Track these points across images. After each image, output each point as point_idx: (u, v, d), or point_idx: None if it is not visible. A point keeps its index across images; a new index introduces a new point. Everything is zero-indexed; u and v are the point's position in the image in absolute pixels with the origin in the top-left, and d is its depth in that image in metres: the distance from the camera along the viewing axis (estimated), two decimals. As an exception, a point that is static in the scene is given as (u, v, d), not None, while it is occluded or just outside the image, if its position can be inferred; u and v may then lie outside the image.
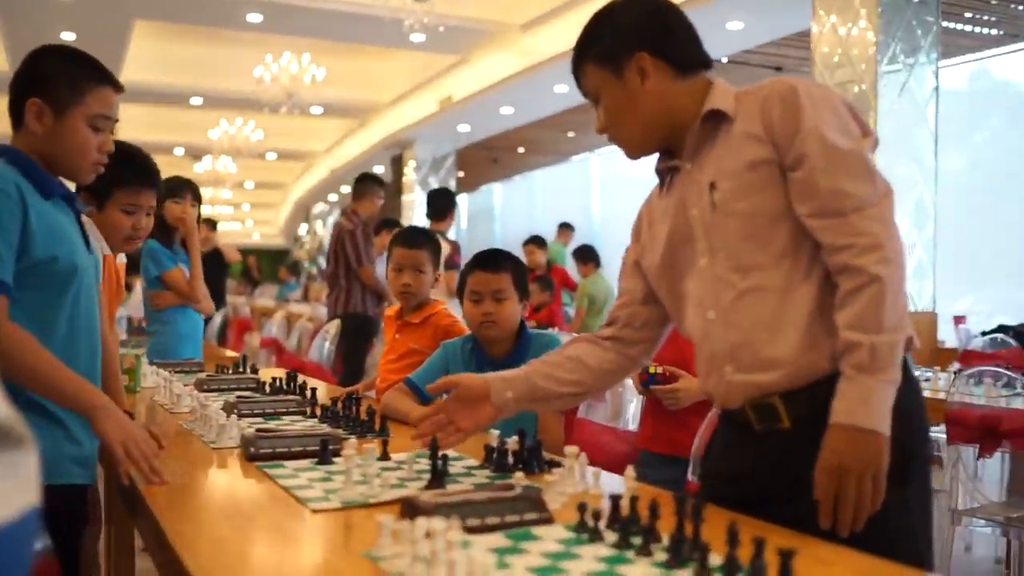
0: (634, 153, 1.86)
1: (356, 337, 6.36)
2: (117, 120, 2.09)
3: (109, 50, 10.47)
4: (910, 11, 6.69)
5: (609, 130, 1.84)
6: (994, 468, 4.22)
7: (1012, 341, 6.05)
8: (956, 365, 4.85)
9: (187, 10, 9.23)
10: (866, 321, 1.54)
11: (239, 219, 29.82)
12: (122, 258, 3.17)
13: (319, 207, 24.07)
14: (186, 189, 4.18)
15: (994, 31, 8.91)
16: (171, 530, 1.49)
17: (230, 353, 4.78)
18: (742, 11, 7.81)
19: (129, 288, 11.13)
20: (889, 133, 6.58)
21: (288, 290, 17.71)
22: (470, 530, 1.44)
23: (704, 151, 1.75)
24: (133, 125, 15.14)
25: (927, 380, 3.85)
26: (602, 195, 16.28)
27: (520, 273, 2.75)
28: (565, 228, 10.98)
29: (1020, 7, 8.20)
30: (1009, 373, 3.51)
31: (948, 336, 7.56)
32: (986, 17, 8.52)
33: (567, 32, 9.01)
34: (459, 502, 1.48)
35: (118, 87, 2.08)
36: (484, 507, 1.48)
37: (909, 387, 1.62)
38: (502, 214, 20.62)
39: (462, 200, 20.61)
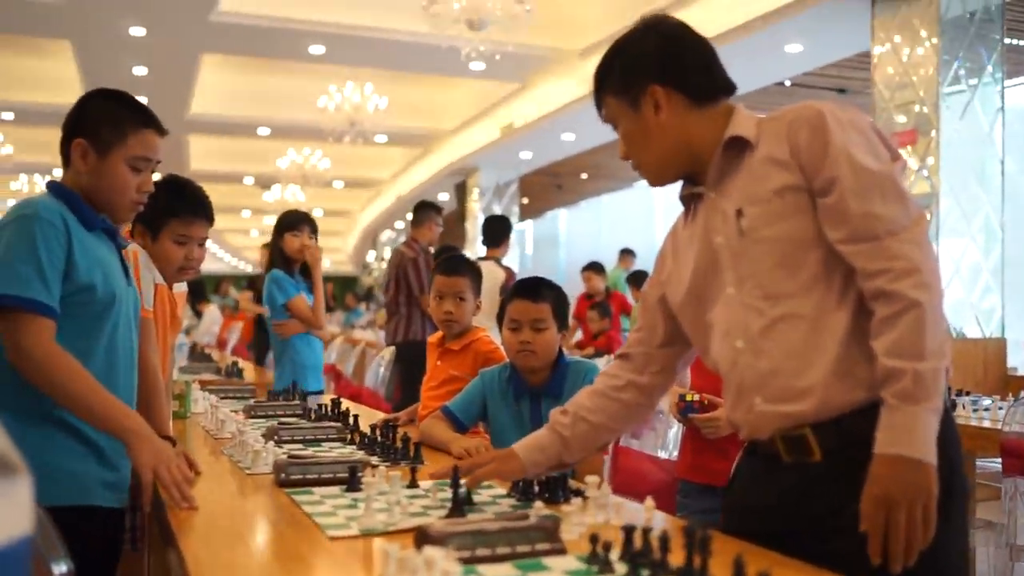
0: (654, 181, 1.85)
1: (415, 365, 6.38)
2: (159, 161, 2.16)
3: (179, 83, 10.79)
4: (973, 29, 6.55)
5: (630, 158, 1.85)
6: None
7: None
8: None
9: (252, 43, 9.45)
10: (907, 348, 1.49)
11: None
12: (182, 287, 3.24)
13: (386, 234, 24.35)
14: (303, 223, 4.46)
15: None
16: (189, 554, 1.51)
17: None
18: (801, 33, 7.72)
19: (199, 315, 11.44)
20: (953, 155, 6.43)
21: (354, 316, 17.91)
22: (481, 560, 1.44)
23: (727, 178, 1.73)
24: (204, 155, 15.56)
25: (987, 409, 3.73)
26: (665, 221, 16.18)
27: (561, 304, 2.73)
28: (626, 254, 10.94)
29: (1092, 24, 7.97)
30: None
31: (1021, 363, 7.30)
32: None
33: (626, 58, 9.00)
34: (471, 531, 1.47)
35: (161, 130, 2.16)
36: (496, 536, 1.47)
37: (944, 418, 1.56)
38: (567, 240, 20.62)
39: (527, 226, 20.66)
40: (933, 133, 6.42)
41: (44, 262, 1.93)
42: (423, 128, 13.98)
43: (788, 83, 9.64)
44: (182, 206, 2.79)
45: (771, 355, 1.65)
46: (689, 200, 1.85)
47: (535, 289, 2.72)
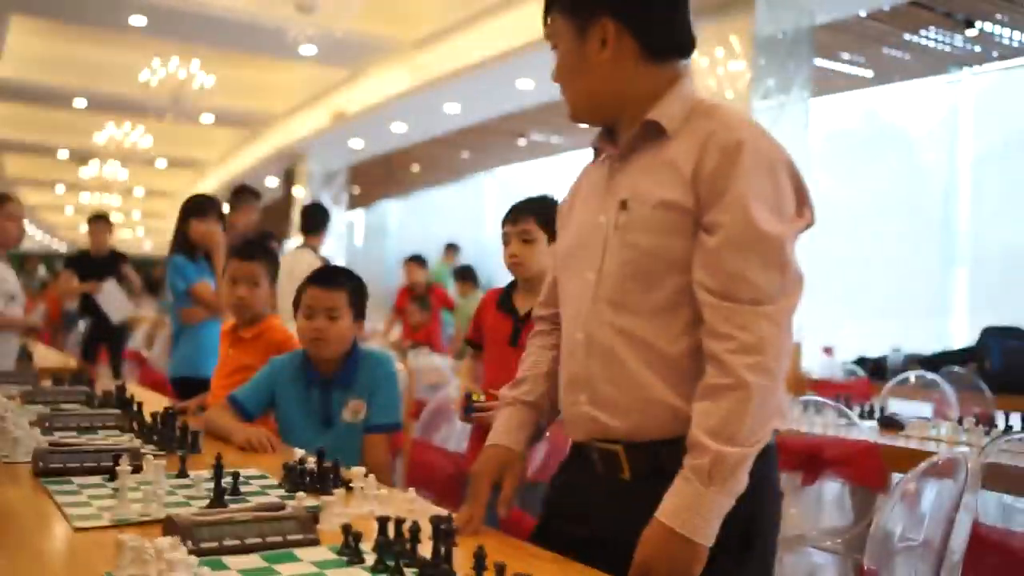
0: (575, 117, 1.70)
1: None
2: None
3: (-16, 44, 10.10)
4: (784, 49, 6.90)
5: (559, 83, 1.69)
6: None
7: (861, 372, 6.25)
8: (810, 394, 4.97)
9: (66, 7, 8.93)
10: (720, 427, 1.42)
11: (129, 227, 29.01)
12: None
13: (211, 217, 23.57)
14: (210, 209, 4.33)
15: (868, 72, 9.25)
16: (-92, 548, 1.41)
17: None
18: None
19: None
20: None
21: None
22: (228, 550, 1.40)
23: (635, 157, 1.61)
24: (12, 124, 14.65)
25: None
26: (496, 216, 16.34)
27: (358, 294, 2.68)
28: (451, 249, 10.95)
29: (892, 51, 8.53)
30: (831, 403, 3.62)
31: (818, 366, 7.72)
32: (861, 59, 8.85)
33: (459, 51, 9.04)
34: (220, 521, 1.43)
35: None
36: (246, 527, 1.44)
37: (761, 466, 1.49)
38: (398, 231, 20.50)
39: (357, 216, 20.42)
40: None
41: None
42: (252, 110, 13.60)
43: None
44: None
45: (602, 362, 1.58)
46: (600, 151, 1.73)
47: (331, 277, 2.67)
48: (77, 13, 9.20)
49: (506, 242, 2.73)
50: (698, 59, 7.14)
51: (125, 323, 7.52)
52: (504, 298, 2.79)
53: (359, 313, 2.68)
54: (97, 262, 7.30)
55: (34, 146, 16.39)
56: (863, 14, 7.44)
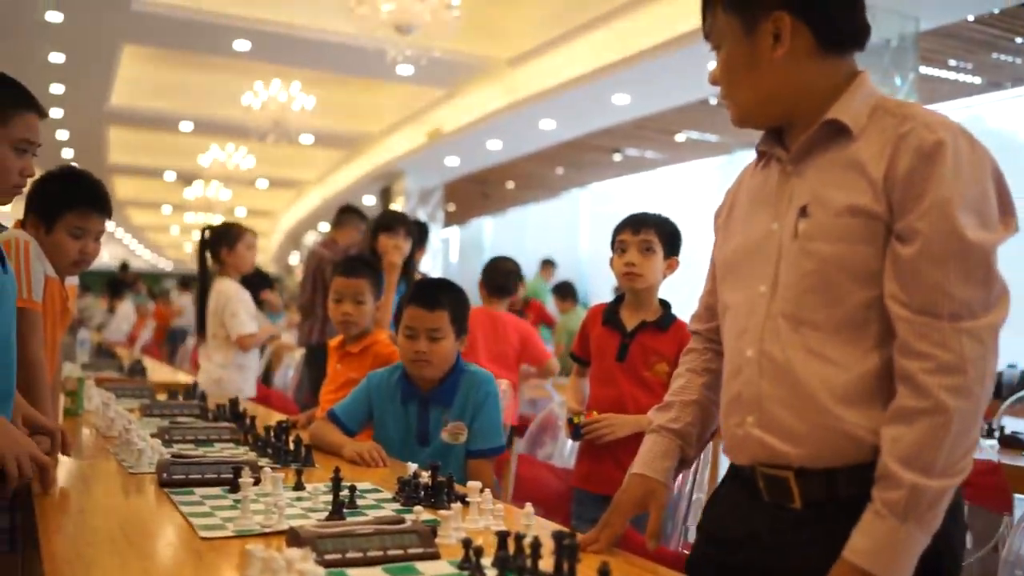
0: (740, 122, 1.58)
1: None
2: (39, 144, 2.10)
3: (98, 73, 10.51)
4: (888, 57, 6.73)
5: (722, 86, 1.57)
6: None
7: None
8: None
9: (175, 36, 9.24)
10: (916, 456, 1.31)
11: (231, 246, 29.83)
12: (73, 280, 3.15)
13: (310, 236, 24.06)
14: (400, 225, 4.36)
15: (977, 79, 8.96)
16: (47, 552, 1.46)
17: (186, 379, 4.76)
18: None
19: (112, 310, 11.12)
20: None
21: (275, 319, 17.64)
22: (351, 563, 1.42)
23: (811, 160, 1.49)
24: (124, 148, 15.22)
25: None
26: (591, 233, 16.29)
27: (460, 309, 2.61)
28: (547, 264, 10.97)
29: (1002, 56, 8.25)
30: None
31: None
32: (969, 65, 8.58)
33: (553, 68, 9.07)
34: (343, 533, 1.45)
35: (42, 113, 2.12)
36: (368, 539, 1.45)
37: (949, 512, 1.36)
38: (492, 248, 20.62)
39: (452, 233, 20.61)
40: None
41: None
42: (349, 130, 13.86)
43: (713, 101, 9.77)
44: (78, 198, 2.71)
45: (777, 382, 1.46)
46: (764, 155, 1.62)
47: (432, 296, 2.57)
48: (185, 40, 9.51)
49: (622, 251, 2.69)
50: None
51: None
52: (610, 312, 2.77)
53: (461, 329, 2.62)
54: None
55: (143, 169, 17.00)
56: (971, 19, 7.21)
